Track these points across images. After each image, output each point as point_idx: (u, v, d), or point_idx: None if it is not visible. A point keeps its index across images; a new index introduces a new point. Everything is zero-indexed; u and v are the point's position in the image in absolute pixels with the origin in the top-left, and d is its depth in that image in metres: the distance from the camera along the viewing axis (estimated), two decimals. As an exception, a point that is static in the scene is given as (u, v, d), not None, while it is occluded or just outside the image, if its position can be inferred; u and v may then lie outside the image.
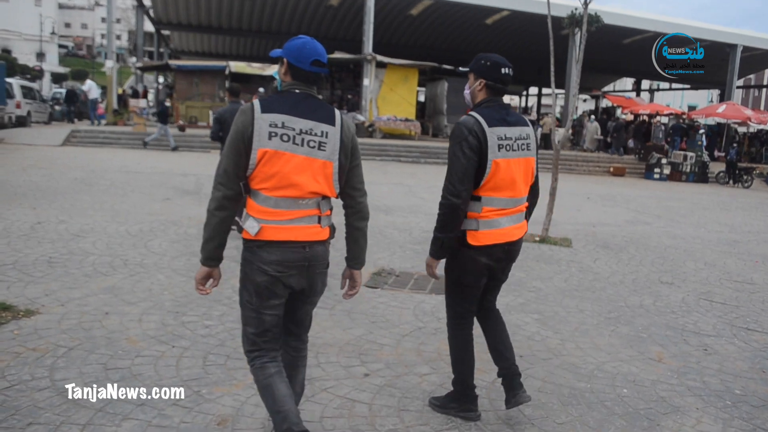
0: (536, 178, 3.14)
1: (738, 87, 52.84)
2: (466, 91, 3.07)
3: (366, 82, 24.79)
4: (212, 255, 2.47)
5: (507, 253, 3.04)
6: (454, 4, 28.29)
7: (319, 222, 2.47)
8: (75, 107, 27.97)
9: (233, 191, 2.39)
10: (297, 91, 2.47)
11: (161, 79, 38.97)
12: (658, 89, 49.56)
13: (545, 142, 26.09)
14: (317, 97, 2.53)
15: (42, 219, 7.32)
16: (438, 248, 2.94)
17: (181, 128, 21.00)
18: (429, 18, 33.34)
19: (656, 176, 23.08)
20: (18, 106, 21.91)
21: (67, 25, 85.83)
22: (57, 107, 27.91)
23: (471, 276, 2.99)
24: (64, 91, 30.75)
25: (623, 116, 30.17)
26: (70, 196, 9.10)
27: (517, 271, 6.49)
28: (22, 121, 22.13)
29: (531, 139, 3.01)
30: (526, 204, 3.12)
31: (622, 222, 11.12)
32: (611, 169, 23.64)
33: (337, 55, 26.46)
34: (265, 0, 31.17)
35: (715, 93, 58.82)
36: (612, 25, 28.12)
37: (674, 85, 53.65)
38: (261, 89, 23.59)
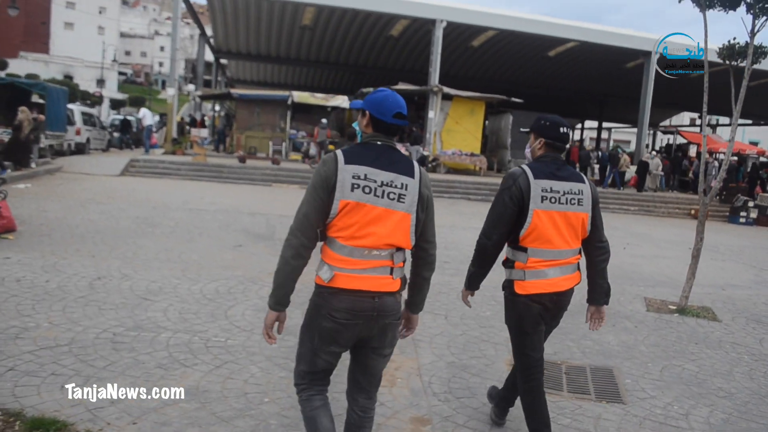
0: (597, 232, 3.17)
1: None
2: (527, 150, 3.23)
3: (431, 114, 23.73)
4: (282, 301, 2.49)
5: (555, 303, 3.13)
6: (517, 35, 27.18)
7: (391, 273, 2.47)
8: (129, 135, 27.66)
9: (310, 240, 2.41)
10: (378, 143, 2.49)
11: (217, 107, 38.88)
12: (718, 124, 47.03)
13: (621, 179, 24.55)
14: (397, 149, 2.54)
15: (102, 273, 6.27)
16: (468, 280, 3.22)
17: (242, 159, 20.18)
18: (490, 50, 32.31)
19: (742, 220, 21.26)
20: (78, 133, 21.49)
21: (127, 53, 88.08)
22: (116, 134, 27.63)
23: (528, 321, 3.10)
24: (121, 117, 30.60)
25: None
26: (131, 241, 8.10)
27: (681, 360, 5.17)
28: (80, 148, 21.69)
29: (584, 195, 3.07)
30: (578, 257, 3.17)
31: (748, 282, 9.59)
32: (692, 212, 21.87)
33: (402, 86, 25.51)
34: (324, 31, 30.67)
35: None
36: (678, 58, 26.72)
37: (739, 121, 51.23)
38: (324, 120, 22.83)
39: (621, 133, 67.78)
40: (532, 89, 34.03)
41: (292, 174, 19.18)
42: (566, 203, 3.01)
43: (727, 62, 7.19)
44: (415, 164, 2.54)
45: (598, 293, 3.29)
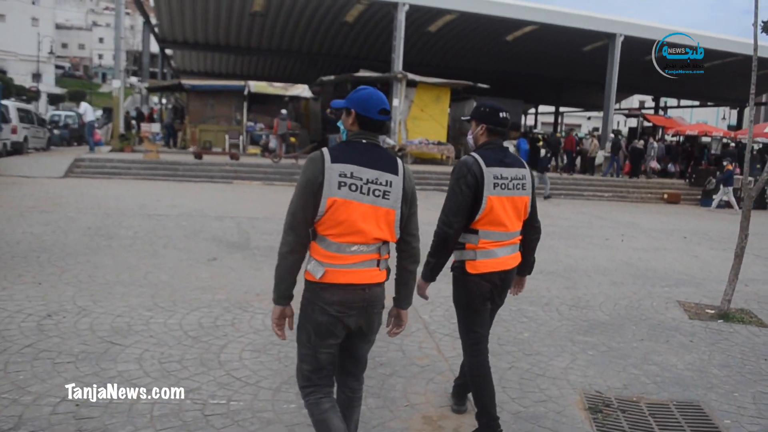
0: (534, 214, 3.37)
1: (758, 104, 51.40)
2: (469, 137, 3.36)
3: (396, 102, 22.65)
4: (285, 294, 2.55)
5: (502, 280, 3.28)
6: (476, 18, 26.28)
7: (378, 265, 2.56)
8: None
9: (304, 236, 2.48)
10: (364, 141, 2.55)
11: (164, 100, 36.91)
12: (666, 106, 47.52)
13: (590, 166, 24.09)
14: (381, 146, 2.58)
15: (53, 307, 5.04)
16: (428, 271, 3.23)
17: (197, 155, 18.70)
18: (447, 35, 31.39)
19: (716, 203, 21.02)
20: (14, 131, 19.56)
21: (64, 46, 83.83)
22: (56, 131, 25.60)
23: (477, 300, 3.23)
24: (63, 113, 28.43)
25: (669, 137, 28.12)
26: (85, 259, 6.84)
27: (765, 385, 4.24)
28: (18, 148, 19.78)
29: (526, 180, 3.24)
30: (520, 237, 3.34)
31: (763, 274, 8.94)
32: (665, 196, 21.56)
33: (363, 73, 24.34)
34: (277, 17, 29.18)
35: (725, 110, 57.25)
36: (641, 39, 26.27)
37: (683, 102, 51.94)
38: (284, 111, 21.51)
39: (572, 117, 68.34)
40: (489, 75, 33.25)
41: (253, 169, 17.88)
42: (513, 188, 3.18)
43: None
44: (399, 162, 2.61)
45: (528, 266, 3.55)
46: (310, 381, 2.58)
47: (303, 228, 2.46)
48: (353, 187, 2.44)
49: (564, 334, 5.39)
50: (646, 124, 32.56)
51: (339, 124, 2.68)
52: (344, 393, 2.75)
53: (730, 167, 19.98)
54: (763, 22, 6.14)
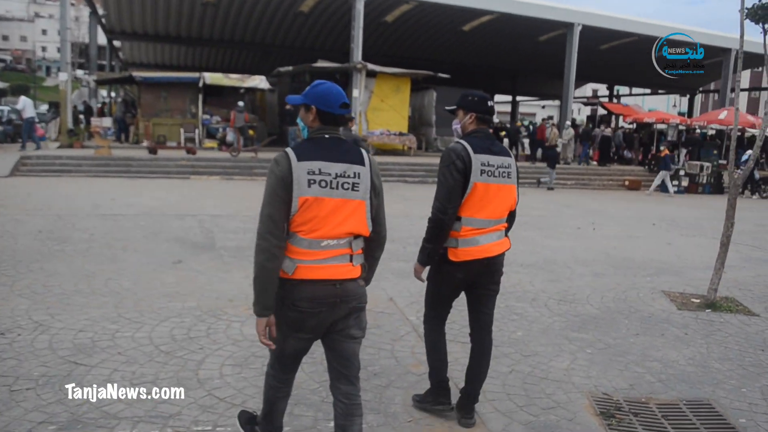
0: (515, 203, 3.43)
1: (704, 91, 52.75)
2: (456, 125, 3.41)
3: (355, 93, 22.24)
4: (268, 305, 2.48)
5: (486, 267, 3.31)
6: (434, 7, 26.03)
7: (351, 260, 2.54)
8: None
9: (280, 239, 2.43)
10: (327, 136, 2.55)
11: (113, 94, 35.57)
12: (618, 94, 48.26)
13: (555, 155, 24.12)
14: (344, 140, 2.59)
15: (6, 323, 4.54)
16: (425, 256, 3.29)
17: (152, 150, 17.93)
18: (403, 26, 31.10)
19: (674, 189, 21.35)
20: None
21: (5, 38, 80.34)
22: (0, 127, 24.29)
23: (447, 289, 3.39)
24: (5, 108, 26.97)
25: (626, 125, 28.45)
26: (38, 266, 6.30)
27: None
28: (-43, 146, 18.69)
29: (512, 168, 3.33)
30: (505, 224, 3.42)
31: (737, 260, 8.89)
32: (626, 183, 21.78)
33: (322, 64, 23.86)
34: (229, 6, 28.34)
35: (675, 98, 58.57)
36: (598, 28, 26.51)
37: (635, 90, 52.89)
38: (240, 103, 20.84)
39: (527, 106, 69.06)
40: (446, 65, 33.04)
41: (211, 164, 17.25)
42: (499, 176, 3.23)
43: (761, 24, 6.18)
44: (364, 153, 2.61)
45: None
46: (274, 364, 2.72)
47: (278, 230, 2.42)
48: (323, 184, 2.42)
49: (558, 332, 5.16)
50: (601, 111, 32.94)
51: (298, 120, 2.64)
52: (340, 401, 2.64)
53: (667, 152, 20.38)
54: (747, 8, 5.99)
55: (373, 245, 2.71)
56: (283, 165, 2.42)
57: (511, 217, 3.47)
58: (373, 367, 4.12)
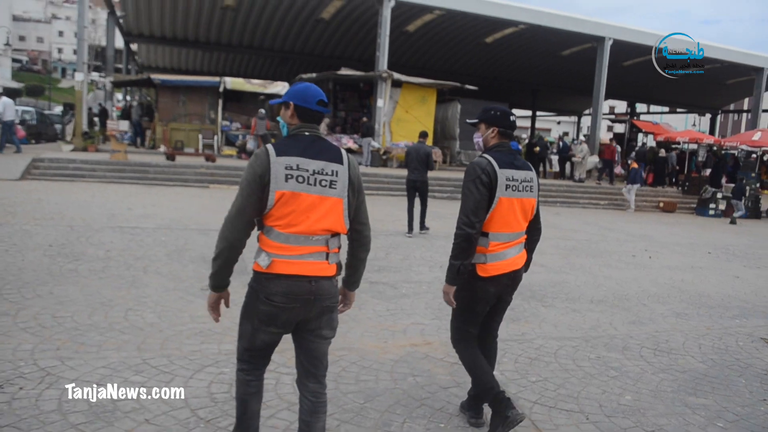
0: (537, 215, 3.46)
1: (726, 111, 51.71)
2: (478, 139, 3.42)
3: (380, 102, 21.44)
4: (222, 284, 2.57)
5: (512, 279, 3.36)
6: (457, 18, 25.26)
7: (327, 258, 2.54)
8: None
9: (245, 232, 2.47)
10: (306, 133, 2.56)
11: (128, 97, 35.01)
12: (637, 112, 47.34)
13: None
14: (324, 138, 2.60)
15: (5, 372, 3.66)
16: (454, 274, 3.18)
17: (170, 156, 17.16)
18: (424, 36, 30.32)
19: (711, 212, 20.39)
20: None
21: (22, 39, 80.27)
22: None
23: (481, 304, 3.32)
24: (20, 109, 26.31)
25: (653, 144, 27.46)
26: (47, 290, 5.44)
27: None
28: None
29: (534, 182, 3.35)
30: (525, 237, 3.43)
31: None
32: (661, 205, 20.84)
33: (346, 71, 23.06)
34: (249, 12, 27.70)
35: (695, 117, 57.54)
36: (627, 43, 25.59)
37: (652, 108, 51.88)
38: (262, 110, 20.06)
39: (542, 122, 68.25)
40: (465, 77, 32.18)
41: (231, 173, 16.42)
42: (522, 190, 3.26)
43: None
44: (343, 151, 2.60)
45: (527, 264, 3.52)
46: (244, 356, 2.64)
47: (246, 223, 2.45)
48: (300, 179, 2.43)
49: (672, 395, 4.24)
50: (617, 129, 32.03)
51: (278, 119, 2.64)
52: (307, 398, 2.65)
53: (635, 165, 19.53)
54: None
55: (356, 245, 2.73)
56: (261, 160, 2.43)
57: (537, 231, 3.52)
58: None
